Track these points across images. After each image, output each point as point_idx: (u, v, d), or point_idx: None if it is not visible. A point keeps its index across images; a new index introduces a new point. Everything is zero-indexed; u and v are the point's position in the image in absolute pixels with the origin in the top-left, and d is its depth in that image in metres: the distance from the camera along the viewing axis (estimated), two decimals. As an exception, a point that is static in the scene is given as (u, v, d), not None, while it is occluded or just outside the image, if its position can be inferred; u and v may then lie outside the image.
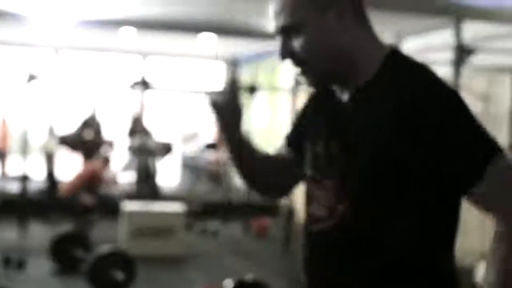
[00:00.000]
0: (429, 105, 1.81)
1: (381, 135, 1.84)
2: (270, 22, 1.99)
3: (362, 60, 1.95)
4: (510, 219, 1.82)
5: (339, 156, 1.94)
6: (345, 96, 2.00)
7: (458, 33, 7.49)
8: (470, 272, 7.78)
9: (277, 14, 1.95)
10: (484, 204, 1.86)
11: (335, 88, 2.03)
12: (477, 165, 1.81)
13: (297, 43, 1.93)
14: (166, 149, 14.75)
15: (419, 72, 1.90)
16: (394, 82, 1.88)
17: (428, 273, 1.90)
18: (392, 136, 1.83)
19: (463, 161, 1.81)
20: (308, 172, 2.07)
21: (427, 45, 9.43)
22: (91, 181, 10.45)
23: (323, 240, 1.98)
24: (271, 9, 1.97)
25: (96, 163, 11.02)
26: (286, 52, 1.97)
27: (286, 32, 1.95)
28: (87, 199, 10.17)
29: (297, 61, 1.97)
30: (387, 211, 1.87)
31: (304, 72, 1.99)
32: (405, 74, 1.89)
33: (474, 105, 9.39)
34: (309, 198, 2.05)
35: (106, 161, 11.02)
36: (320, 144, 2.03)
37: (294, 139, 2.26)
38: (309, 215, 2.05)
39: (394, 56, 1.97)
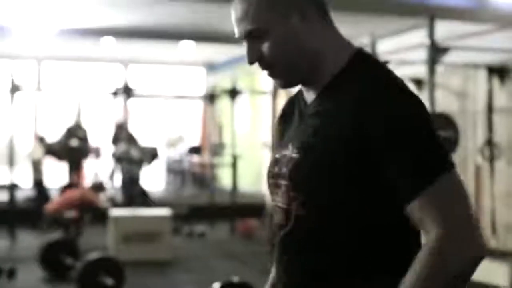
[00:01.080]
0: (381, 112, 1.77)
1: (331, 135, 1.83)
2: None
3: (328, 60, 1.93)
4: (440, 235, 1.73)
5: (292, 157, 1.92)
6: (310, 97, 1.98)
7: (431, 33, 7.65)
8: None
9: (240, 20, 1.91)
10: (421, 217, 1.77)
11: (304, 89, 2.01)
12: (420, 180, 1.76)
13: (263, 47, 1.91)
14: (153, 155, 14.86)
15: (378, 77, 1.86)
16: (351, 85, 1.85)
17: (389, 269, 1.85)
18: (340, 138, 1.81)
19: (407, 174, 1.77)
20: (270, 180, 2.03)
21: (402, 44, 9.61)
22: (80, 205, 10.47)
23: (286, 246, 1.95)
24: (233, 14, 1.93)
25: (87, 190, 10.99)
26: (253, 57, 1.93)
27: (251, 37, 1.91)
28: (73, 213, 10.26)
29: (265, 65, 1.94)
30: (336, 209, 1.84)
31: (272, 75, 1.97)
32: (363, 78, 1.85)
33: (451, 102, 9.59)
34: (273, 207, 2.02)
35: (99, 188, 11.01)
36: (282, 149, 2.01)
37: None
38: (275, 225, 2.01)
39: (358, 57, 1.93)
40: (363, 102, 1.79)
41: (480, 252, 1.73)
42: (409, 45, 9.28)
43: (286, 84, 1.99)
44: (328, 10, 1.96)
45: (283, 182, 1.93)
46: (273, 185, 2.00)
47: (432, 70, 7.63)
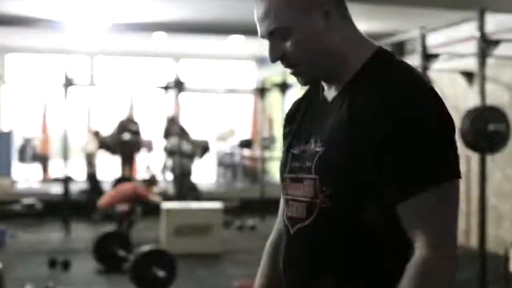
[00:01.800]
0: (393, 113, 1.77)
1: (351, 132, 1.82)
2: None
3: (350, 57, 1.92)
4: (428, 247, 1.74)
5: (316, 151, 1.90)
6: (331, 94, 1.96)
7: (482, 25, 7.60)
8: (504, 261, 7.87)
9: (262, 19, 1.90)
10: (408, 222, 1.78)
11: (326, 86, 2.00)
12: (416, 182, 1.75)
13: (285, 46, 1.90)
14: (204, 148, 14.97)
15: (395, 77, 1.84)
16: (370, 84, 1.84)
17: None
18: (355, 134, 1.81)
19: (405, 173, 1.76)
20: (288, 175, 2.03)
21: (453, 37, 9.56)
22: (132, 199, 10.59)
23: (302, 239, 1.94)
24: (255, 14, 1.93)
25: (139, 183, 11.13)
26: (275, 55, 1.94)
27: (273, 35, 1.91)
28: (125, 207, 10.42)
29: (287, 63, 1.94)
30: (361, 201, 1.83)
31: (295, 73, 1.97)
32: (381, 78, 1.85)
33: (502, 95, 9.52)
34: (287, 201, 2.02)
35: (151, 182, 11.16)
36: (300, 145, 2.00)
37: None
38: (288, 218, 2.00)
39: (379, 55, 1.93)
40: (379, 103, 1.79)
41: (455, 266, 1.77)
42: (459, 38, 9.23)
43: (309, 82, 2.01)
44: (346, 6, 1.95)
45: (307, 176, 1.91)
46: (292, 179, 1.99)
47: (482, 63, 7.58)
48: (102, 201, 10.52)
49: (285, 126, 2.16)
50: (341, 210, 1.85)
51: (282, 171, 2.06)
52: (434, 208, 1.75)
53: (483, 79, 7.53)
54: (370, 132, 1.79)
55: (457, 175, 1.79)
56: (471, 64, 8.77)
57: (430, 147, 1.76)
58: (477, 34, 7.58)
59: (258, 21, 1.92)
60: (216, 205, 10.44)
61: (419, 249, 1.74)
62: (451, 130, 1.81)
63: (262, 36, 1.94)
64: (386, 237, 1.82)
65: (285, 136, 2.14)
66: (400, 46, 12.30)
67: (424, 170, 1.76)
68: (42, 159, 16.80)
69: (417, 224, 1.76)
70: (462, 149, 8.22)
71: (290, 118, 2.15)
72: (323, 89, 2.01)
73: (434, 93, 1.82)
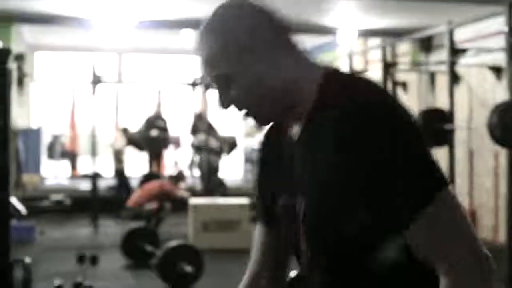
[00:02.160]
0: (363, 140, 1.65)
1: (322, 172, 1.71)
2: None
3: (302, 89, 1.78)
4: (453, 271, 1.65)
5: (299, 205, 1.81)
6: (296, 130, 1.83)
7: (510, 20, 7.54)
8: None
9: (204, 66, 1.81)
10: (421, 251, 1.68)
11: (289, 124, 1.87)
12: (414, 203, 1.64)
13: (232, 91, 1.77)
14: (231, 144, 14.99)
15: (352, 101, 1.69)
16: (329, 114, 1.71)
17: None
18: (332, 173, 1.69)
19: (399, 198, 1.65)
20: (287, 230, 1.92)
21: (481, 32, 9.51)
22: (159, 196, 10.64)
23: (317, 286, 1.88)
24: (199, 59, 1.83)
25: (166, 180, 11.18)
26: (224, 103, 1.81)
27: (217, 82, 1.80)
28: (153, 205, 10.47)
29: (239, 108, 1.80)
30: (354, 249, 1.74)
31: (249, 115, 1.82)
32: (338, 106, 1.70)
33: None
34: (297, 251, 1.92)
35: (179, 178, 11.17)
36: (285, 195, 1.89)
37: (263, 193, 2.06)
38: (302, 274, 1.96)
39: (329, 80, 1.78)
40: (342, 140, 1.67)
41: (491, 276, 1.65)
42: (487, 33, 9.18)
43: (265, 123, 1.89)
44: (291, 34, 1.82)
45: (300, 233, 1.83)
46: (291, 234, 1.89)
47: (511, 58, 7.53)
48: (131, 201, 10.58)
49: (261, 167, 2.06)
50: (339, 263, 1.78)
51: (274, 222, 1.98)
52: (435, 229, 1.64)
53: (511, 73, 7.48)
54: (343, 173, 1.68)
55: (444, 184, 1.66)
56: (500, 58, 8.71)
57: (412, 166, 1.66)
58: (505, 28, 7.52)
59: (201, 65, 1.83)
60: (243, 200, 10.45)
61: (442, 278, 1.64)
62: (421, 141, 1.70)
63: (209, 81, 1.83)
64: (390, 273, 1.74)
65: (262, 179, 2.05)
66: (428, 41, 12.24)
67: (418, 187, 1.65)
68: (71, 155, 16.94)
69: (427, 252, 1.67)
70: (490, 145, 8.19)
71: (265, 158, 2.03)
72: (280, 129, 1.91)
73: (392, 106, 1.71)
